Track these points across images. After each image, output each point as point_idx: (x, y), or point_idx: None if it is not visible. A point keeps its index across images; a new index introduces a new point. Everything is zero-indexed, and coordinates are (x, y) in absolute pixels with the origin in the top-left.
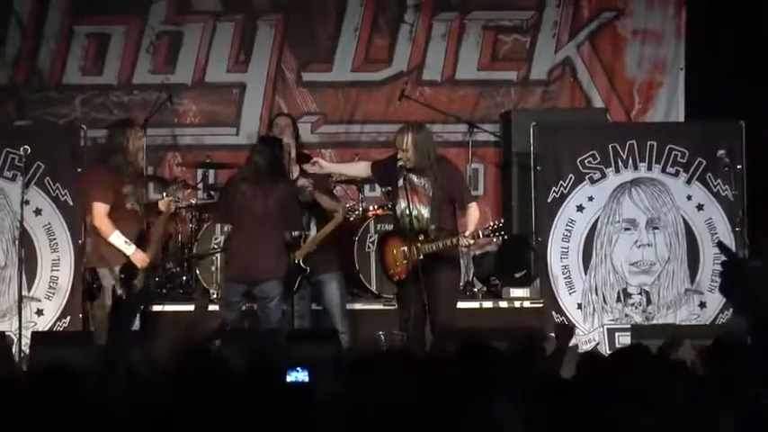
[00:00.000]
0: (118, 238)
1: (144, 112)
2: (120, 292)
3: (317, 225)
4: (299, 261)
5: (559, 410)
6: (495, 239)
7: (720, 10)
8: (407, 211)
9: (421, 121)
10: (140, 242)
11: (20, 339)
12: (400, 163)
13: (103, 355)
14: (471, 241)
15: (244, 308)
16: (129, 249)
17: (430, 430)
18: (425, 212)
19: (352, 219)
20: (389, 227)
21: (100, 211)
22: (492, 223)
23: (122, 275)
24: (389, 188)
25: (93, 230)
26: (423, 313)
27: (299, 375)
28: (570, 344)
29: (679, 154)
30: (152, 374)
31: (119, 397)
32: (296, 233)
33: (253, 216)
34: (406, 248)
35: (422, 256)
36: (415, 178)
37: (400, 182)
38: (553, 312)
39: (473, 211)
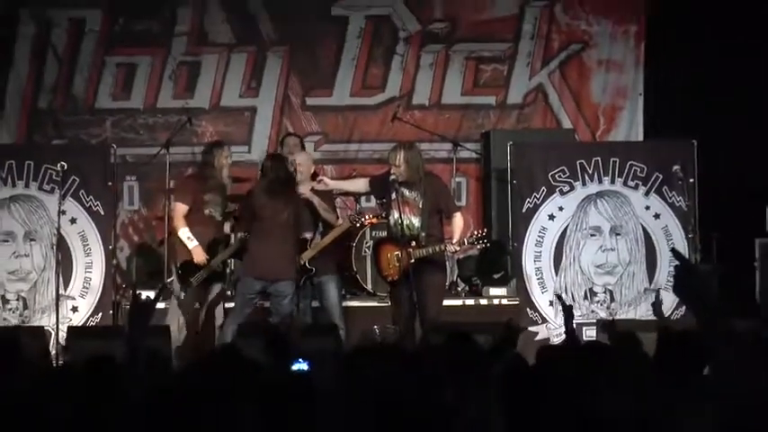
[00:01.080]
0: (184, 234)
1: (167, 133)
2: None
3: (322, 232)
4: (305, 263)
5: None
6: (477, 247)
7: (675, 43)
8: (400, 221)
9: (411, 141)
10: (213, 245)
11: (57, 333)
12: (393, 177)
13: (125, 349)
14: (458, 248)
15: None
16: (191, 244)
17: (417, 411)
18: (416, 222)
19: (358, 225)
20: (383, 234)
21: (177, 209)
22: (476, 232)
23: (180, 271)
24: (384, 200)
25: (170, 228)
26: (413, 310)
27: (301, 366)
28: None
29: (638, 169)
30: (170, 364)
31: (138, 385)
32: (309, 234)
33: (272, 223)
34: (398, 253)
35: (413, 260)
36: (406, 191)
37: (393, 194)
38: (527, 309)
39: (458, 220)
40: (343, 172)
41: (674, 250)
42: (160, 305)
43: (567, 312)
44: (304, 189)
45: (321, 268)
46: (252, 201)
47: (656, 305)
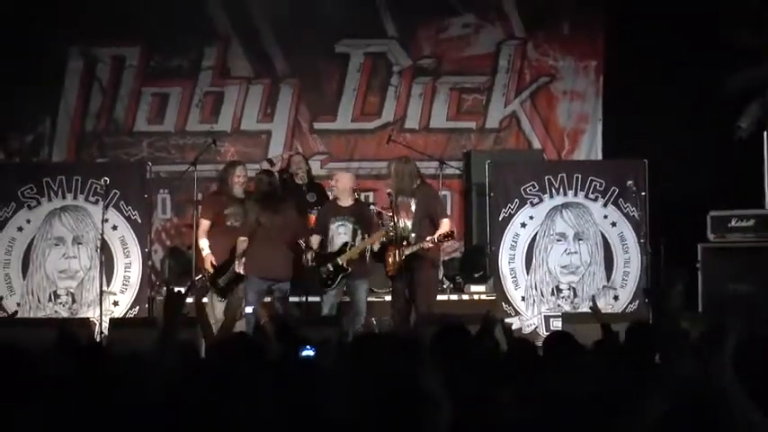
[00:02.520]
0: (203, 243)
1: (194, 153)
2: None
3: (362, 239)
4: (342, 263)
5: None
6: (450, 243)
7: (629, 77)
8: (400, 223)
9: (406, 156)
10: (232, 253)
11: (101, 324)
12: (388, 191)
13: (159, 338)
14: (431, 244)
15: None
16: (204, 252)
17: (411, 390)
18: (409, 224)
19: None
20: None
21: (201, 224)
22: (444, 231)
23: (209, 274)
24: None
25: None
26: (407, 302)
27: (308, 352)
28: (515, 326)
29: (598, 184)
30: (197, 353)
31: (171, 370)
32: (302, 240)
33: (268, 229)
34: (395, 251)
35: (404, 257)
36: (402, 198)
37: (398, 201)
38: (503, 303)
39: (445, 225)
40: None
41: (645, 290)
42: (205, 300)
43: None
44: (344, 202)
45: (357, 271)
46: (249, 210)
47: (594, 309)
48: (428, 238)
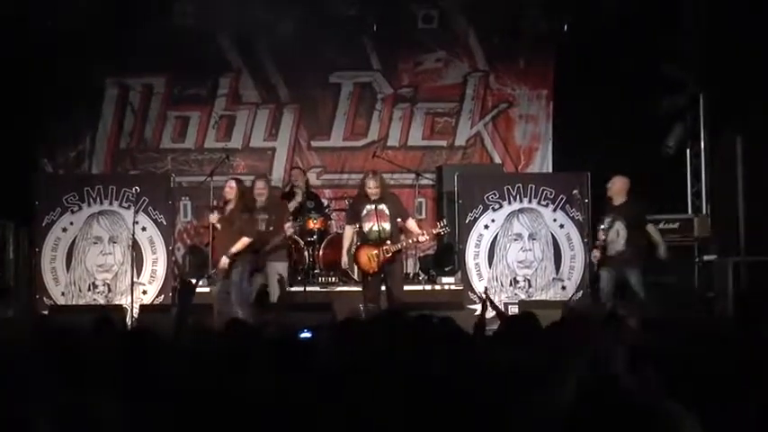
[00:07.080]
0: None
1: (211, 166)
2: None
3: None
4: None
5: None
6: (443, 233)
7: (574, 102)
8: (375, 227)
9: (376, 170)
10: (260, 247)
11: (132, 310)
12: (374, 198)
13: (174, 320)
14: (426, 237)
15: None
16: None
17: (390, 362)
18: (386, 226)
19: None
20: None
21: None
22: (438, 224)
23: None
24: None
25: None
26: (379, 293)
27: (306, 334)
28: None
29: (548, 192)
30: (207, 333)
31: (184, 347)
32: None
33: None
34: (377, 251)
35: (390, 254)
36: (380, 206)
37: (371, 208)
38: (468, 292)
39: (411, 223)
40: (337, 194)
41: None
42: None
43: (489, 301)
44: (617, 201)
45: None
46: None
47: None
48: (422, 237)
